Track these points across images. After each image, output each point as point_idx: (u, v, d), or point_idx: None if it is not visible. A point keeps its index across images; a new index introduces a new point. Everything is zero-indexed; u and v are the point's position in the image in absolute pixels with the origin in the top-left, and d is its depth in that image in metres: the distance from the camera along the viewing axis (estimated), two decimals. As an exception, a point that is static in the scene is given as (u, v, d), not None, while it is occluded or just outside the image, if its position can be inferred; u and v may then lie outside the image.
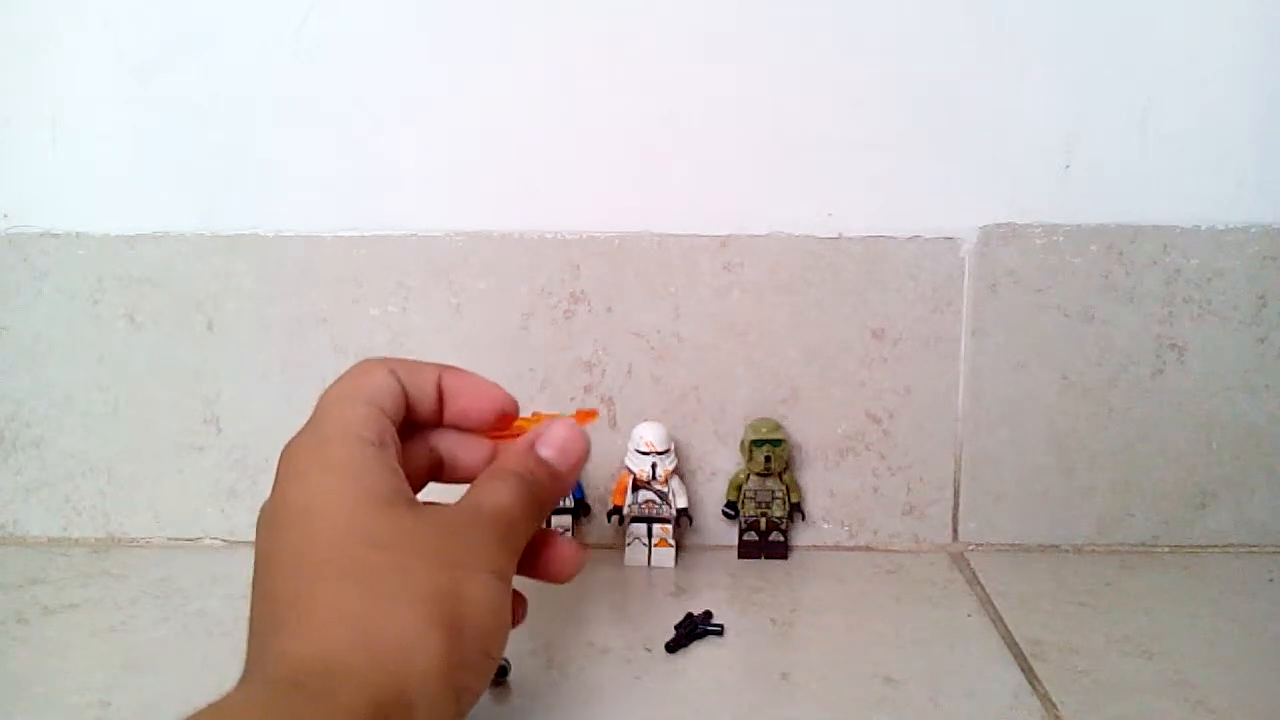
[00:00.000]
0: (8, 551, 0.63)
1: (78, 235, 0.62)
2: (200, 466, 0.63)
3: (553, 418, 0.39)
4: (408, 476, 0.35)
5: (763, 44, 0.59)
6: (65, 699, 0.47)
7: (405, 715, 0.29)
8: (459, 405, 0.38)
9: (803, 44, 0.59)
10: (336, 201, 0.62)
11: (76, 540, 0.64)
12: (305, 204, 0.62)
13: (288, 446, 0.35)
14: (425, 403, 0.38)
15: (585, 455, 0.38)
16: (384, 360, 0.38)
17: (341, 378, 0.37)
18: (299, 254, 0.62)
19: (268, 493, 0.65)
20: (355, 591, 0.30)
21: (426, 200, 0.62)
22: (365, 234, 0.61)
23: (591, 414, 0.41)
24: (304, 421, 0.61)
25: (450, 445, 0.39)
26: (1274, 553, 0.63)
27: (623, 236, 0.61)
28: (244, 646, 0.51)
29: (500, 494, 0.35)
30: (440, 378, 0.38)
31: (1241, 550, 0.63)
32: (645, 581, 0.59)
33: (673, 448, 0.60)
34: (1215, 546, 0.63)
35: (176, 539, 0.64)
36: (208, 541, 0.64)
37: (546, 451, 0.37)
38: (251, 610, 0.33)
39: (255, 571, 0.33)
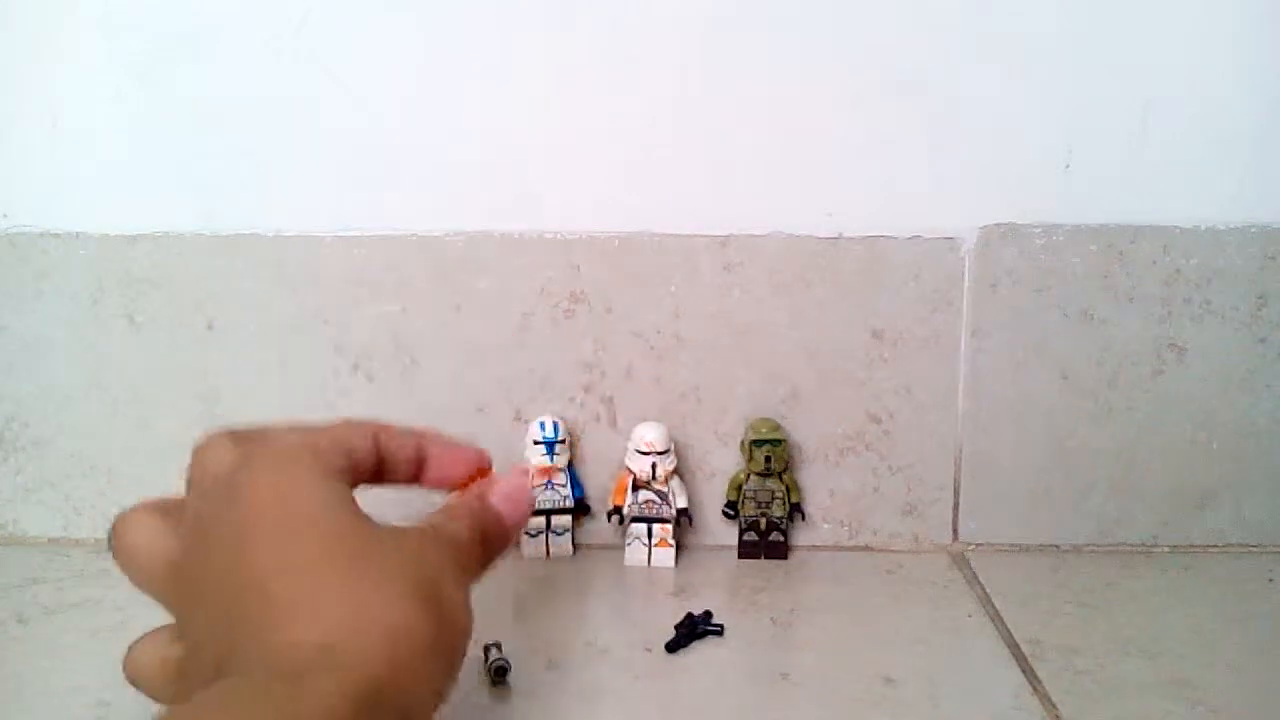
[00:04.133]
0: (8, 551, 0.63)
1: (78, 235, 0.62)
2: (200, 466, 0.63)
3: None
4: None
5: (763, 44, 0.59)
6: (65, 699, 0.47)
7: (401, 692, 0.30)
8: (440, 473, 0.41)
9: (803, 44, 0.59)
10: (336, 201, 0.62)
11: (76, 540, 0.64)
12: (305, 204, 0.62)
13: (239, 444, 0.37)
14: (402, 469, 0.40)
15: (531, 507, 0.41)
16: (371, 424, 0.39)
17: (322, 424, 0.39)
18: (299, 254, 0.62)
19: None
20: (352, 585, 0.32)
21: (426, 200, 0.62)
22: (365, 234, 0.61)
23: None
24: (304, 422, 0.60)
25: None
26: (1274, 553, 0.63)
27: (623, 236, 0.61)
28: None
29: (454, 528, 0.37)
30: (420, 446, 0.40)
31: (1241, 550, 0.63)
32: (645, 581, 0.59)
33: (673, 448, 0.60)
34: (1215, 546, 0.63)
35: (176, 539, 0.64)
36: (208, 541, 0.64)
37: (496, 500, 0.40)
38: (226, 591, 0.33)
39: (231, 562, 0.33)
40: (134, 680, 0.37)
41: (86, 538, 0.64)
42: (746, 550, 0.62)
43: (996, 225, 0.61)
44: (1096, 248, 0.61)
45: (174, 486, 0.64)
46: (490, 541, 0.39)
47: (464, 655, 0.34)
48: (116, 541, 0.38)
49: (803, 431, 0.63)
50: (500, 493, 0.40)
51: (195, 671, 0.33)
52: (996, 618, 0.55)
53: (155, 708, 0.47)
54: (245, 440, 0.37)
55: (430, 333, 0.62)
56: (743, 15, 0.59)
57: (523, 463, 0.43)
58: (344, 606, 0.31)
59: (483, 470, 0.42)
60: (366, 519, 0.35)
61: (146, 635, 0.37)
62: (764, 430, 0.60)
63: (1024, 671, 0.50)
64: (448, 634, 0.33)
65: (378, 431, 0.39)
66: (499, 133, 0.61)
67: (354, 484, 0.37)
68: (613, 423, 0.63)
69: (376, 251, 0.61)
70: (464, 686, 0.45)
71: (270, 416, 0.62)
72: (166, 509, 0.39)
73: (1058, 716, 0.46)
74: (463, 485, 0.41)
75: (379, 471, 0.39)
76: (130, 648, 0.37)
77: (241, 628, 0.31)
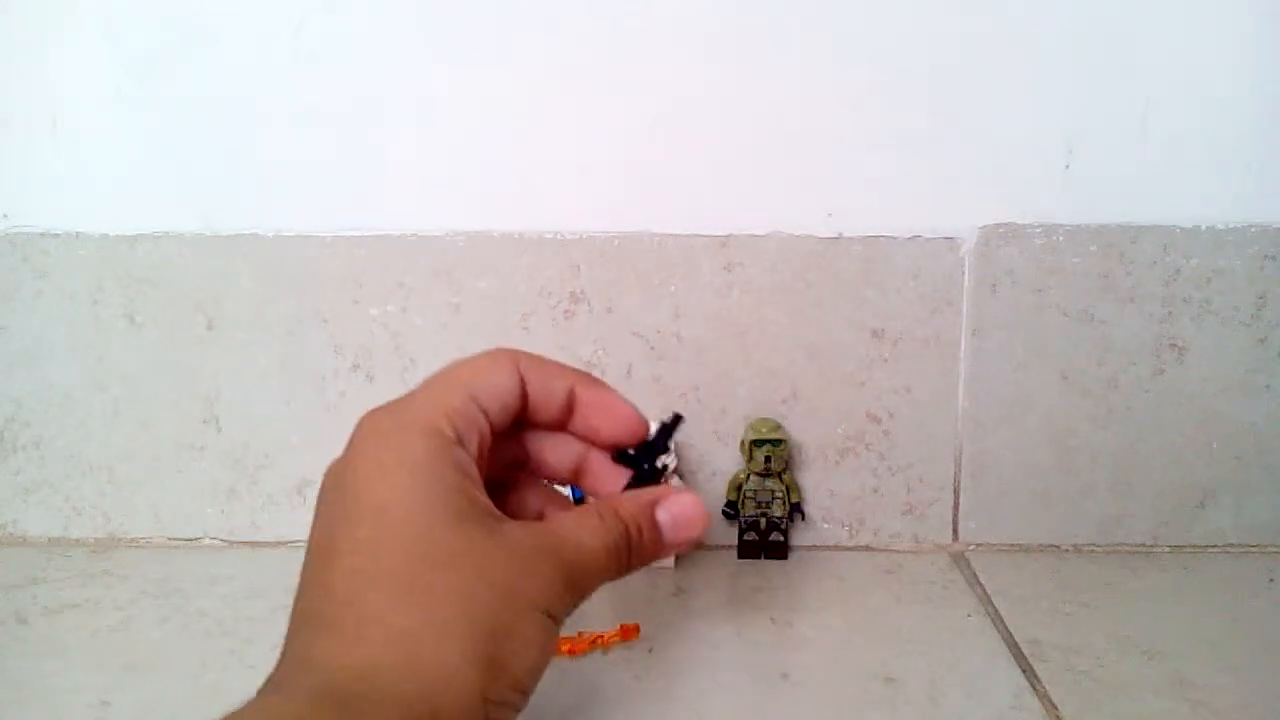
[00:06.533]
0: (8, 551, 0.63)
1: (78, 235, 0.62)
2: (200, 466, 0.63)
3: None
4: (493, 470, 0.35)
5: (762, 44, 0.59)
6: (65, 699, 0.47)
7: None
8: (590, 421, 0.37)
9: (802, 44, 0.59)
10: (336, 201, 0.62)
11: (76, 540, 0.64)
12: (305, 204, 0.62)
13: (370, 415, 0.34)
14: (550, 408, 0.37)
15: (697, 537, 0.37)
16: (517, 356, 0.36)
17: (463, 360, 0.36)
18: (299, 254, 0.62)
19: (268, 492, 0.65)
20: (411, 608, 0.30)
21: (426, 200, 0.62)
22: (365, 234, 0.61)
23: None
24: (302, 420, 0.62)
25: (538, 443, 0.38)
26: (1274, 553, 0.63)
27: (623, 236, 0.61)
28: (243, 647, 0.51)
29: (593, 538, 0.34)
30: (574, 388, 0.37)
31: (1241, 550, 0.63)
32: (645, 581, 0.59)
33: (673, 448, 0.60)
34: (1215, 546, 0.63)
35: (176, 539, 0.64)
36: (207, 541, 0.64)
37: (664, 517, 0.36)
38: (304, 594, 0.32)
39: (315, 551, 0.32)
40: None
41: (86, 538, 0.64)
42: (746, 550, 0.62)
43: (996, 225, 0.61)
44: (1096, 248, 0.61)
45: (174, 486, 0.65)
46: (631, 555, 0.35)
47: (529, 693, 0.32)
48: None
49: (803, 431, 0.63)
50: (674, 509, 0.36)
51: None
52: (996, 618, 0.55)
53: (156, 709, 0.47)
54: (364, 420, 0.34)
55: (430, 333, 0.62)
56: (743, 15, 0.59)
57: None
58: (398, 639, 0.29)
59: (639, 439, 0.38)
60: (470, 518, 0.32)
61: None
62: (764, 430, 0.60)
63: (1024, 671, 0.50)
64: (505, 683, 0.31)
65: (525, 368, 0.36)
66: (499, 132, 0.61)
67: (488, 441, 0.34)
68: (613, 423, 0.63)
69: (376, 251, 0.61)
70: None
71: (270, 416, 0.63)
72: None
73: (1058, 716, 0.46)
74: (610, 446, 0.38)
75: (524, 410, 0.36)
76: None
77: (305, 629, 0.31)
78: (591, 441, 0.38)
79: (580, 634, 0.52)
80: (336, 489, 0.33)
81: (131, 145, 0.61)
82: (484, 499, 0.33)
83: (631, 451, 0.38)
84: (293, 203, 0.62)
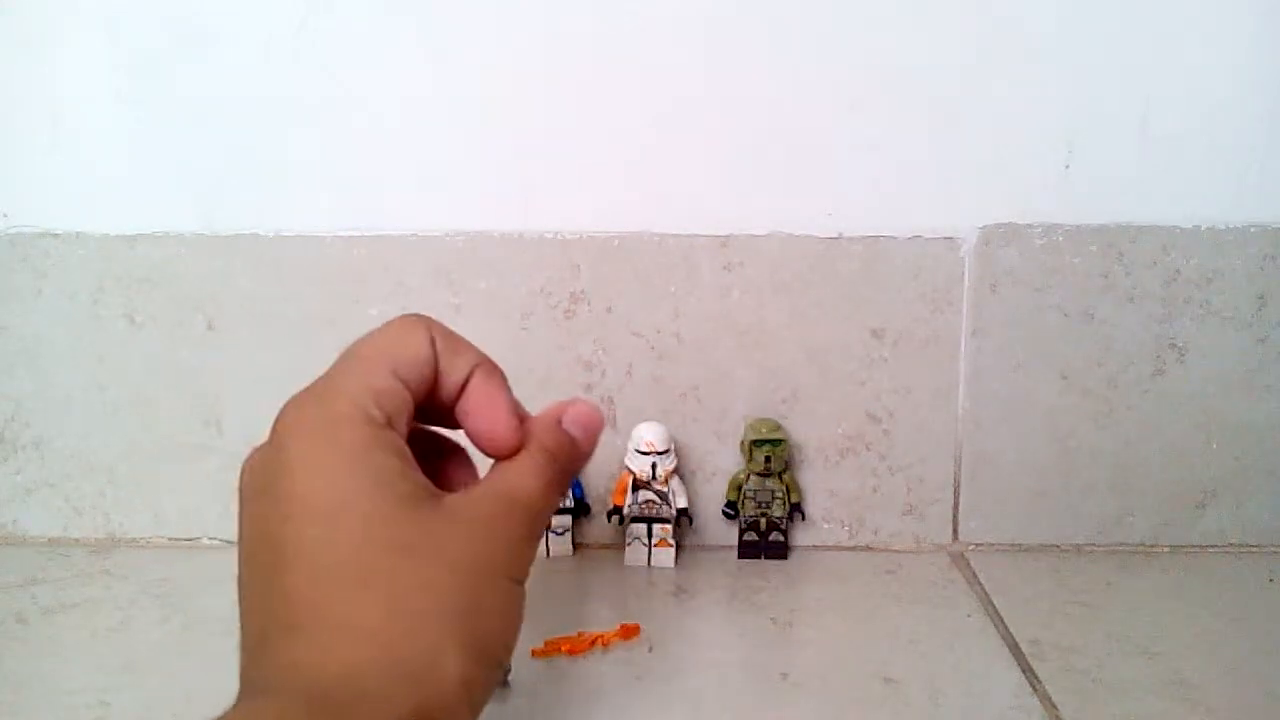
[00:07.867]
0: (8, 551, 0.63)
1: (78, 235, 0.62)
2: (200, 467, 0.63)
3: None
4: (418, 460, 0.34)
5: (762, 44, 0.59)
6: (65, 699, 0.47)
7: None
8: (470, 423, 0.36)
9: (802, 44, 0.59)
10: (336, 201, 0.62)
11: (76, 540, 0.64)
12: (305, 204, 0.62)
13: (294, 407, 0.33)
14: (449, 387, 0.35)
15: (600, 433, 0.37)
16: (428, 324, 0.35)
17: (377, 332, 0.34)
18: (299, 254, 0.62)
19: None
20: (379, 604, 0.30)
21: (426, 200, 0.62)
22: (365, 234, 0.61)
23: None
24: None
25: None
26: (1274, 553, 0.63)
27: (623, 236, 0.61)
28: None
29: (536, 479, 0.34)
30: (473, 372, 0.35)
31: (1241, 550, 0.63)
32: (645, 581, 0.59)
33: (673, 448, 0.60)
34: (1215, 546, 0.63)
35: (176, 539, 0.64)
36: (207, 541, 0.64)
37: (574, 429, 0.36)
38: (252, 603, 0.31)
39: (259, 554, 0.31)
40: None
41: (86, 538, 0.64)
42: (746, 550, 0.62)
43: (996, 225, 0.61)
44: (1096, 248, 0.61)
45: (173, 486, 0.65)
46: (566, 478, 0.35)
47: (507, 661, 0.32)
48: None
49: (803, 431, 0.63)
50: (577, 419, 0.36)
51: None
52: (996, 618, 0.55)
53: (156, 709, 0.47)
54: (288, 412, 0.33)
55: (430, 333, 0.62)
56: (742, 15, 0.59)
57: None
58: (371, 636, 0.29)
59: (502, 454, 0.36)
60: (420, 501, 0.31)
61: None
62: (764, 430, 0.60)
63: (1024, 671, 0.50)
64: (484, 658, 0.31)
65: (435, 335, 0.34)
66: (499, 132, 0.61)
67: (412, 417, 0.34)
68: (613, 423, 0.63)
69: (376, 251, 0.61)
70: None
71: (270, 417, 0.63)
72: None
73: (1058, 716, 0.46)
74: (476, 444, 0.36)
75: (435, 381, 0.34)
76: None
77: (273, 635, 0.30)
78: (468, 434, 0.36)
79: (580, 634, 0.52)
80: (266, 488, 0.32)
81: (131, 145, 0.61)
82: (423, 479, 0.32)
83: None
84: (293, 203, 0.62)
